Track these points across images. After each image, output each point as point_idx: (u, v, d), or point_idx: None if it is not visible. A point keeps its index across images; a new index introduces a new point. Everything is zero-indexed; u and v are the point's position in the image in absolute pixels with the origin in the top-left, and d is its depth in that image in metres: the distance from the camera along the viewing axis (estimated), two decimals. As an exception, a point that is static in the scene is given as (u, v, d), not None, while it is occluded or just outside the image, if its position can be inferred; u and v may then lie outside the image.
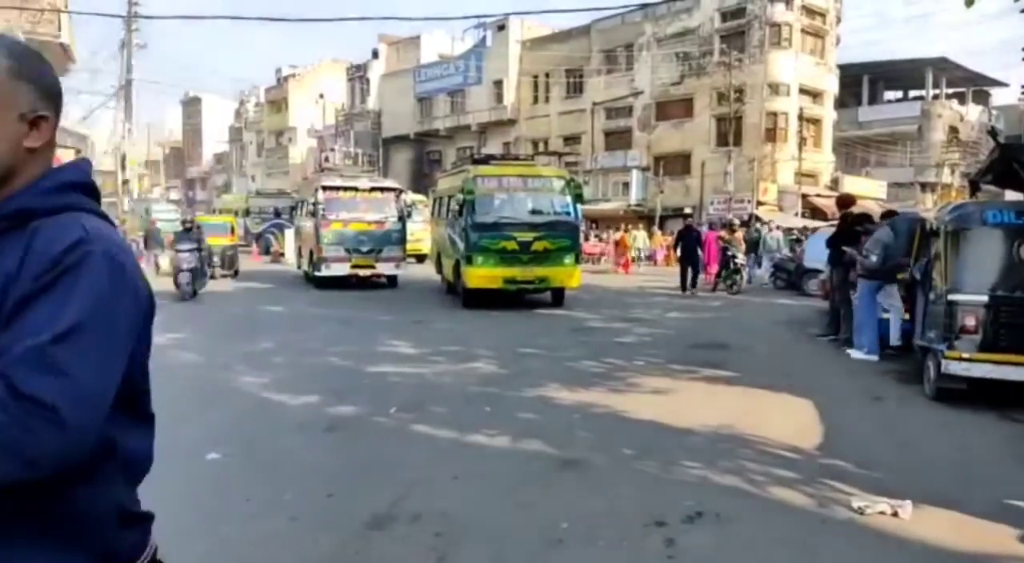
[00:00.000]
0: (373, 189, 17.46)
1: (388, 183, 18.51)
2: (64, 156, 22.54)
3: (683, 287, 17.57)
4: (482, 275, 13.45)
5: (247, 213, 36.11)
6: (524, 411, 6.44)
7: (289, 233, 24.14)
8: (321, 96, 52.70)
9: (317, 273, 16.61)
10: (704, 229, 23.30)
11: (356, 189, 17.20)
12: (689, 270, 17.76)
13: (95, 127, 32.60)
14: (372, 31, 78.46)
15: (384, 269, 17.12)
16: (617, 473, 4.96)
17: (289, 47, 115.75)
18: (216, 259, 18.09)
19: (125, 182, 23.75)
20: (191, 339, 9.96)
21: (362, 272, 16.79)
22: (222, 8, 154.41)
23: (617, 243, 26.14)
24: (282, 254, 26.06)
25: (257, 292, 16.92)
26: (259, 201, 37.85)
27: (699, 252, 18.50)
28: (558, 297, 14.46)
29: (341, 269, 16.51)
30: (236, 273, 19.45)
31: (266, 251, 29.50)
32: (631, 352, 9.61)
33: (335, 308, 13.73)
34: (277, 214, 33.17)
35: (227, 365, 8.48)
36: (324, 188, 17.02)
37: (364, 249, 16.65)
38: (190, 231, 14.99)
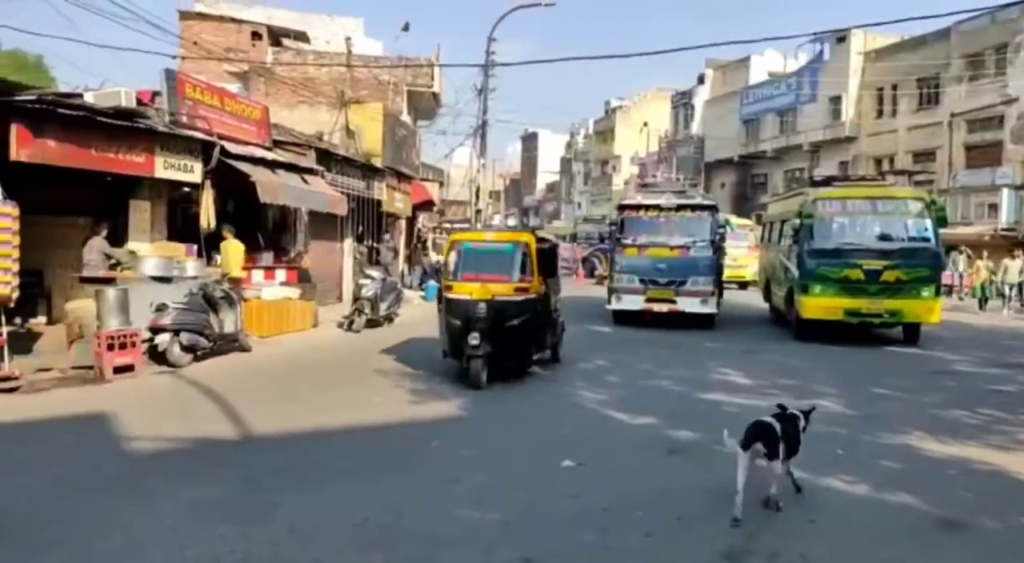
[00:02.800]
0: (681, 207, 14.61)
1: (698, 199, 15.36)
2: (430, 188, 26.00)
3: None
4: (820, 305, 12.53)
5: (574, 238, 38.31)
6: (884, 459, 5.86)
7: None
8: (645, 124, 53.95)
9: (608, 306, 14.77)
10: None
11: (660, 208, 14.61)
12: None
13: (449, 162, 37.24)
14: (698, 57, 78.44)
15: (685, 304, 14.01)
16: (1015, 543, 4.26)
17: (617, 80, 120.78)
18: None
19: (478, 211, 26.90)
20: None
21: (657, 306, 14.16)
22: (560, 48, 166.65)
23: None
24: (605, 277, 27.12)
25: (579, 312, 17.78)
26: (585, 227, 39.87)
27: None
28: (911, 333, 12.88)
29: (633, 302, 14.30)
30: None
31: (591, 273, 30.98)
32: (1015, 403, 8.19)
33: (659, 331, 13.82)
34: (601, 239, 34.71)
35: (568, 381, 9.06)
36: (622, 207, 15.24)
37: (662, 280, 14.08)
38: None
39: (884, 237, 12.57)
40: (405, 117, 24.40)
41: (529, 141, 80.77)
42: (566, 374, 9.44)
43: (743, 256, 24.02)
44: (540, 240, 9.58)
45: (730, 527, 4.32)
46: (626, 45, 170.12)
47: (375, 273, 14.92)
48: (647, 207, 14.78)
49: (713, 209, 14.89)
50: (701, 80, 53.03)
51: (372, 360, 10.42)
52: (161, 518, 4.37)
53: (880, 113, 39.89)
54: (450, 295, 8.78)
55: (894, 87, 38.84)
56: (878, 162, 38.82)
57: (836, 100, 40.99)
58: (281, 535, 4.16)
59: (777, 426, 4.68)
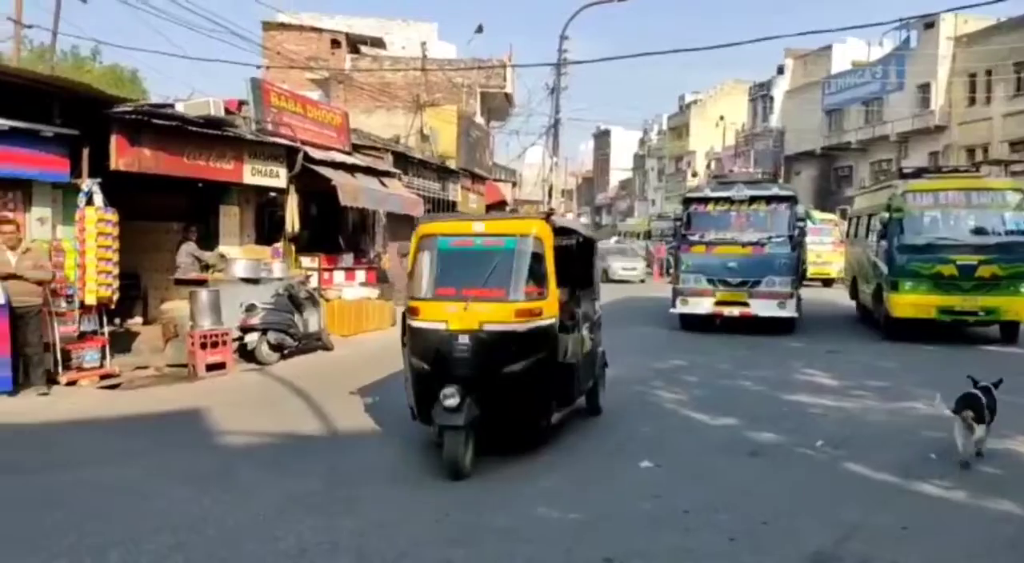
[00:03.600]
0: (754, 199, 13.11)
1: (774, 189, 13.68)
2: (503, 188, 26.19)
3: None
4: (910, 303, 11.98)
5: (648, 235, 37.86)
6: (983, 464, 5.57)
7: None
8: (721, 118, 52.79)
9: (673, 310, 13.44)
10: None
11: (730, 200, 13.20)
12: None
13: (522, 162, 37.40)
14: (777, 47, 76.23)
15: (759, 308, 12.61)
16: None
17: (692, 73, 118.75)
18: None
19: (551, 210, 26.91)
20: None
21: (727, 310, 12.80)
22: (633, 44, 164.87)
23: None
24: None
25: (639, 313, 17.54)
26: (659, 224, 39.33)
27: None
28: (1009, 332, 12.17)
29: (701, 305, 13.00)
30: None
31: (666, 271, 30.52)
32: None
33: (738, 329, 13.47)
34: (675, 236, 34.19)
35: (643, 379, 8.96)
36: (688, 200, 13.96)
37: (733, 280, 12.71)
38: None
39: (979, 231, 11.92)
40: (478, 118, 24.66)
41: (601, 138, 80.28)
42: (641, 373, 9.33)
43: (827, 252, 23.24)
44: (561, 232, 6.33)
45: (814, 533, 4.21)
46: (701, 38, 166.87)
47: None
48: (716, 200, 13.35)
49: (791, 200, 13.22)
50: (780, 71, 51.52)
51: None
52: (254, 511, 4.57)
53: (972, 101, 37.84)
54: (416, 322, 5.59)
55: (988, 73, 36.79)
56: (971, 152, 36.85)
57: (924, 88, 39.13)
58: (367, 528, 4.29)
59: (983, 397, 5.55)
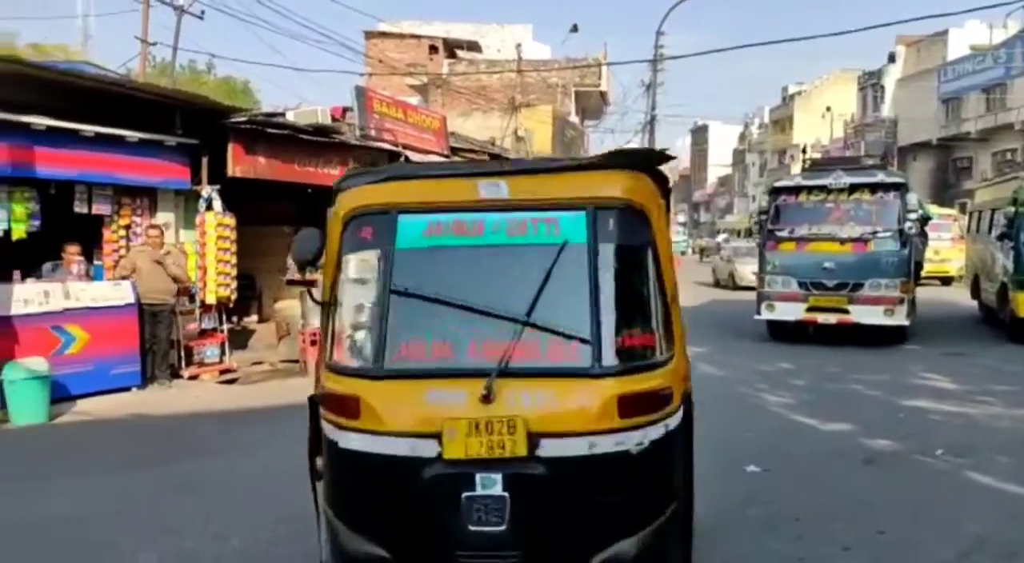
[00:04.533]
0: (856, 188, 11.27)
1: (880, 176, 11.57)
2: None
3: None
4: (1041, 303, 11.09)
5: (749, 233, 36.69)
6: None
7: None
8: (828, 109, 50.55)
9: (757, 316, 11.76)
10: None
11: (825, 189, 11.37)
12: None
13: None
14: (887, 34, 72.40)
15: (861, 314, 10.85)
16: None
17: (795, 64, 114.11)
18: None
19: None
20: (707, 352, 10.50)
21: (823, 317, 11.04)
22: (731, 37, 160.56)
23: None
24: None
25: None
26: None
27: None
28: None
29: (791, 311, 11.27)
30: None
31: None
32: None
33: (836, 339, 12.87)
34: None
35: (747, 381, 8.72)
36: (776, 191, 12.13)
37: (829, 283, 10.97)
38: None
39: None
40: (573, 118, 24.64)
41: (699, 134, 78.52)
42: (744, 374, 9.07)
43: (946, 249, 21.87)
44: (659, 178, 3.21)
45: (936, 545, 3.99)
46: (803, 27, 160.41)
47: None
48: (809, 189, 11.54)
49: (901, 188, 11.28)
50: (892, 58, 48.85)
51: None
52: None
53: (1113, 82, 34.76)
54: (354, 438, 2.63)
55: None
56: (1111, 138, 33.89)
57: (1056, 70, 36.24)
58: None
59: None
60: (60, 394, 7.54)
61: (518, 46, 23.48)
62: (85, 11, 46.06)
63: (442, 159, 14.72)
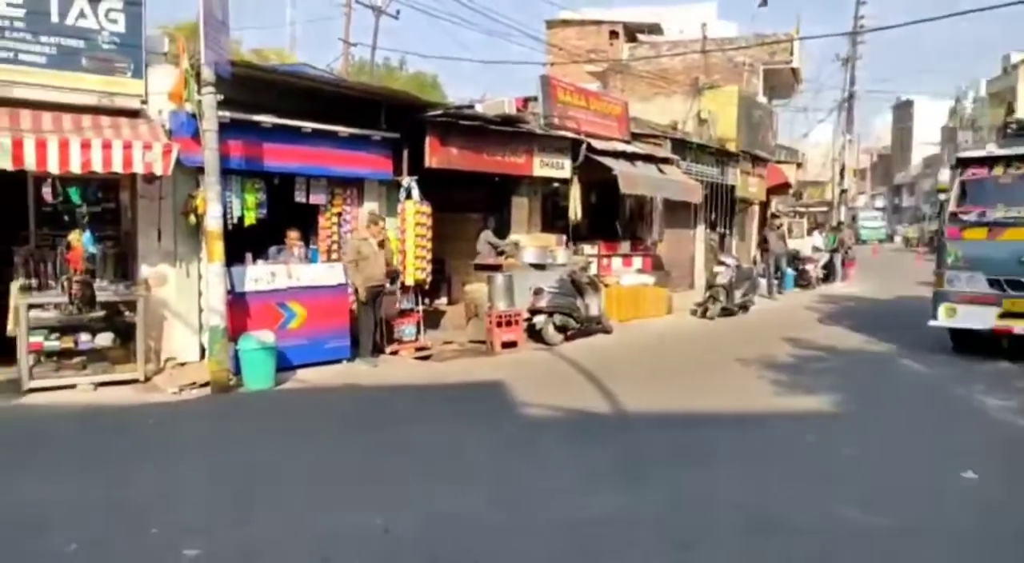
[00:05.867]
0: None
1: None
2: (786, 170, 24.62)
3: None
4: None
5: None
6: None
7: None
8: (1060, 78, 44.24)
9: (933, 322, 9.48)
10: None
11: None
12: None
13: (806, 141, 34.78)
14: None
15: None
16: None
17: (1019, 30, 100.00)
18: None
19: (843, 191, 24.77)
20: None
21: (1019, 326, 8.74)
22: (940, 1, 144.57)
23: None
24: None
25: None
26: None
27: None
28: None
29: (976, 317, 8.99)
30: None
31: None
32: None
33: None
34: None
35: (965, 381, 8.00)
36: (963, 162, 9.81)
37: None
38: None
39: None
40: (760, 97, 23.50)
41: (902, 110, 71.61)
42: (963, 374, 8.33)
43: None
44: None
45: None
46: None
47: (729, 260, 14.74)
48: (1006, 160, 9.20)
49: None
50: None
51: (730, 348, 10.34)
52: (558, 478, 4.95)
53: None
54: None
55: None
56: None
57: None
58: (665, 508, 4.44)
59: None
60: (283, 363, 8.47)
61: (703, 25, 22.76)
62: (292, 19, 50.95)
63: (623, 145, 14.70)
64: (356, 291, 9.23)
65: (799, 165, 29.53)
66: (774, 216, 20.93)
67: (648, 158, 15.00)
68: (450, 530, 4.06)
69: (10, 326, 7.81)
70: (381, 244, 9.40)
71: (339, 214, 10.22)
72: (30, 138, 7.16)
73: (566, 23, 24.40)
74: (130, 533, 4.00)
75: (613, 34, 24.22)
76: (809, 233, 23.10)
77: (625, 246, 14.94)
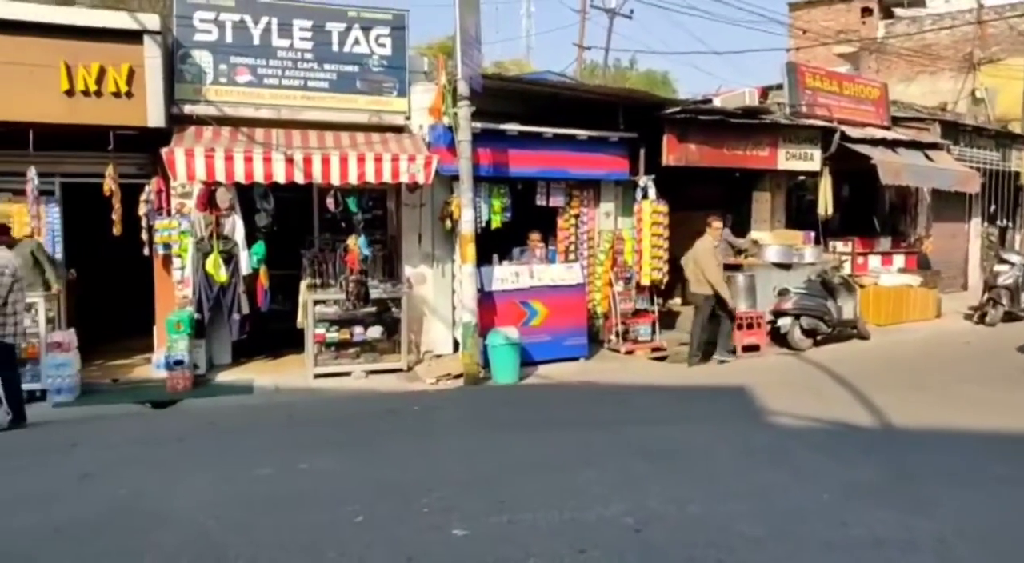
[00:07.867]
0: None
1: None
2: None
3: None
4: None
5: None
6: None
7: None
8: None
9: None
10: None
11: None
12: None
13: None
14: None
15: None
16: None
17: None
18: None
19: None
20: None
21: None
22: None
23: None
24: None
25: None
26: None
27: None
28: None
29: None
30: None
31: None
32: None
33: None
34: None
35: None
36: None
37: None
38: None
39: None
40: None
41: None
42: None
43: None
44: None
45: None
46: None
47: (1014, 258, 12.82)
48: None
49: None
50: None
51: (1014, 358, 9.03)
52: (816, 492, 4.64)
53: None
54: None
55: None
56: None
57: None
58: (947, 532, 3.97)
59: None
60: (524, 359, 8.87)
61: (978, -8, 19.94)
62: (528, 29, 53.12)
63: (882, 131, 13.42)
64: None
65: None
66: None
67: (912, 144, 13.55)
68: (703, 534, 3.97)
69: (299, 319, 9.01)
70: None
71: (576, 215, 10.47)
72: (316, 155, 8.21)
73: (811, 4, 22.75)
74: (404, 509, 4.41)
75: (866, 11, 22.11)
76: None
77: (885, 243, 13.62)
